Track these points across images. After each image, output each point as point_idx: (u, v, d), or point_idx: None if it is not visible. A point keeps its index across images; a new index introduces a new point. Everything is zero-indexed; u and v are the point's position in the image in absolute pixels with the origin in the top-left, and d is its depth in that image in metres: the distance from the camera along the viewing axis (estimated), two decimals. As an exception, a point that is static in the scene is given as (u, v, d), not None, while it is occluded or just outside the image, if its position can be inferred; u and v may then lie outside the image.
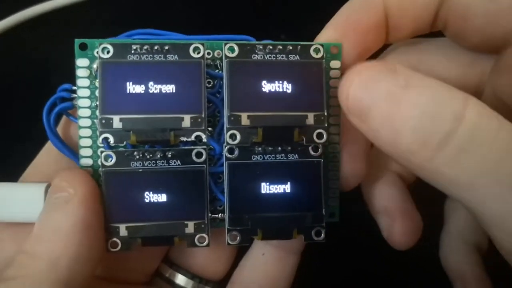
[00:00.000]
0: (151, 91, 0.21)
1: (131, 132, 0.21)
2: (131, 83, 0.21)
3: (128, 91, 0.21)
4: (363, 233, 0.26)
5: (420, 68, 0.24)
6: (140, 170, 0.21)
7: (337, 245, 0.25)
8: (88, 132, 0.22)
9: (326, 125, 0.22)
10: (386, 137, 0.18)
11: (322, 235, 0.22)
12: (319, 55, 0.22)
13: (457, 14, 0.22)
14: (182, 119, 0.21)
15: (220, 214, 0.23)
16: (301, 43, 0.22)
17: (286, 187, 0.22)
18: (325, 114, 0.22)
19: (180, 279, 0.26)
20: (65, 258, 0.20)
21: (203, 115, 0.21)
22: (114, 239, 0.21)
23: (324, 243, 0.22)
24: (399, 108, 0.18)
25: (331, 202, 0.24)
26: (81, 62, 0.22)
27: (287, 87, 0.22)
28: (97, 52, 0.21)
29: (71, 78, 0.22)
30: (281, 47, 0.22)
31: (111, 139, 0.21)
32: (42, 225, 0.20)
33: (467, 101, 0.17)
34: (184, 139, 0.21)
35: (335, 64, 0.23)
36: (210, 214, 0.22)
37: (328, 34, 0.23)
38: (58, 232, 0.20)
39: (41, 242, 0.20)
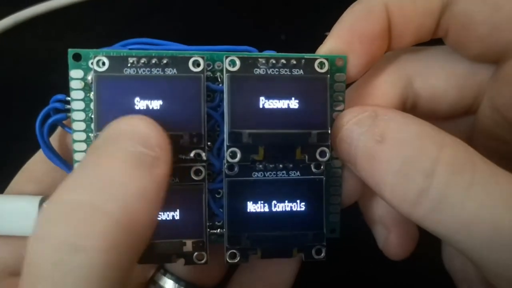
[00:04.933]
0: (149, 107, 0.20)
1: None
2: (128, 98, 0.20)
3: (125, 107, 0.20)
4: (363, 243, 0.26)
5: (417, 79, 0.23)
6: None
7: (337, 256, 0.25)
8: (83, 146, 0.21)
9: (329, 143, 0.21)
10: (373, 188, 0.19)
11: (323, 253, 0.22)
12: (324, 70, 0.21)
13: (460, 22, 0.21)
14: (181, 136, 0.20)
15: (218, 230, 0.22)
16: (306, 56, 0.21)
17: (287, 205, 0.22)
18: (329, 132, 0.21)
19: (175, 286, 0.26)
20: (140, 225, 0.16)
21: (202, 133, 0.20)
22: (110, 257, 0.21)
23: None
24: (376, 164, 0.19)
25: (332, 218, 0.23)
26: (75, 73, 0.21)
27: (289, 103, 0.21)
28: (92, 64, 0.20)
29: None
30: (284, 61, 0.21)
31: (107, 157, 0.20)
32: (114, 176, 0.16)
33: (440, 152, 0.18)
34: (182, 157, 0.20)
35: (340, 77, 0.22)
36: (208, 230, 0.21)
37: (332, 44, 0.22)
38: (144, 195, 0.16)
39: (113, 199, 0.16)
